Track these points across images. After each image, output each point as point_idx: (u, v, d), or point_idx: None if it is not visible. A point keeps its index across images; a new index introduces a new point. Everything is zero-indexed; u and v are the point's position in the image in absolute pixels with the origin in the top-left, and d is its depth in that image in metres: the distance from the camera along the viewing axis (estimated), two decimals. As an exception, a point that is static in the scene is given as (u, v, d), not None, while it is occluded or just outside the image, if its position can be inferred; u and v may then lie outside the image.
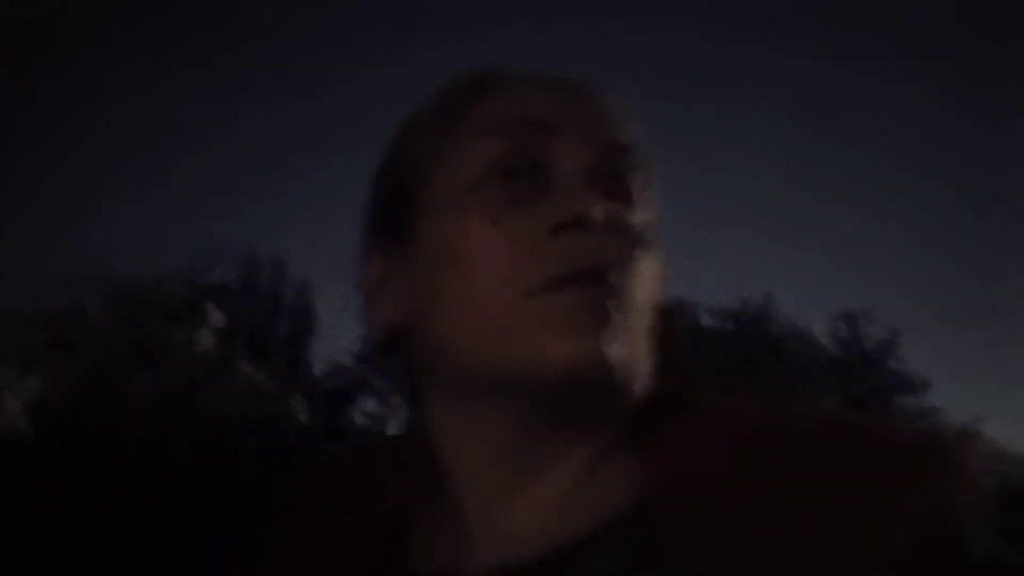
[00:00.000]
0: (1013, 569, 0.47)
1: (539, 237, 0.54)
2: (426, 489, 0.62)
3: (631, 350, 0.54)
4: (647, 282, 0.56)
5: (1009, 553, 0.48)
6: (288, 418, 9.61)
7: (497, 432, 0.56)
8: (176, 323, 8.59)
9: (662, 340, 0.57)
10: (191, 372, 8.21)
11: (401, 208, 0.60)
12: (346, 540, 0.62)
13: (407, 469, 0.63)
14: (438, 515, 0.60)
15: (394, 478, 0.64)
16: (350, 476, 0.66)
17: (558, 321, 0.53)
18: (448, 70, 0.63)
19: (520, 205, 0.55)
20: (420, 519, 0.61)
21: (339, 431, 10.66)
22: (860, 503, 0.48)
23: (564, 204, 0.55)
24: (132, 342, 7.78)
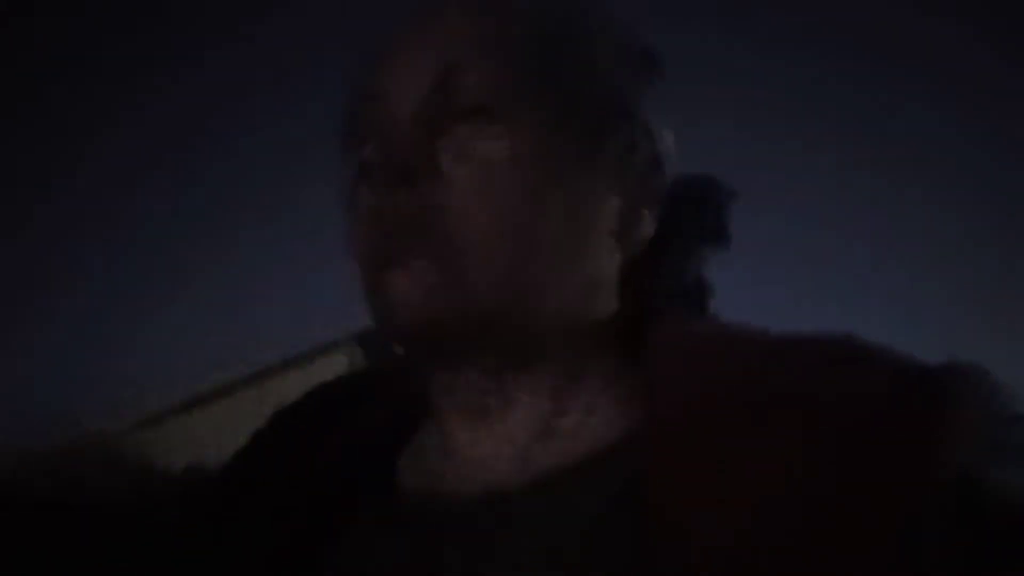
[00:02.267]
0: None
1: (360, 218, 0.56)
2: (412, 414, 0.62)
3: (496, 286, 0.53)
4: (507, 207, 0.54)
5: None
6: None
7: (448, 386, 0.57)
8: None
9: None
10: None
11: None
12: (325, 456, 0.61)
13: (394, 396, 0.64)
14: (425, 441, 0.61)
15: (381, 403, 0.64)
16: (335, 400, 0.66)
17: (372, 271, 0.55)
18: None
19: (361, 186, 0.57)
20: (407, 443, 0.62)
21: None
22: (873, 448, 0.46)
23: (369, 170, 0.56)
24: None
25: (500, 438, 0.56)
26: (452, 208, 0.53)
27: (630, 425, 0.54)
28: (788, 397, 0.49)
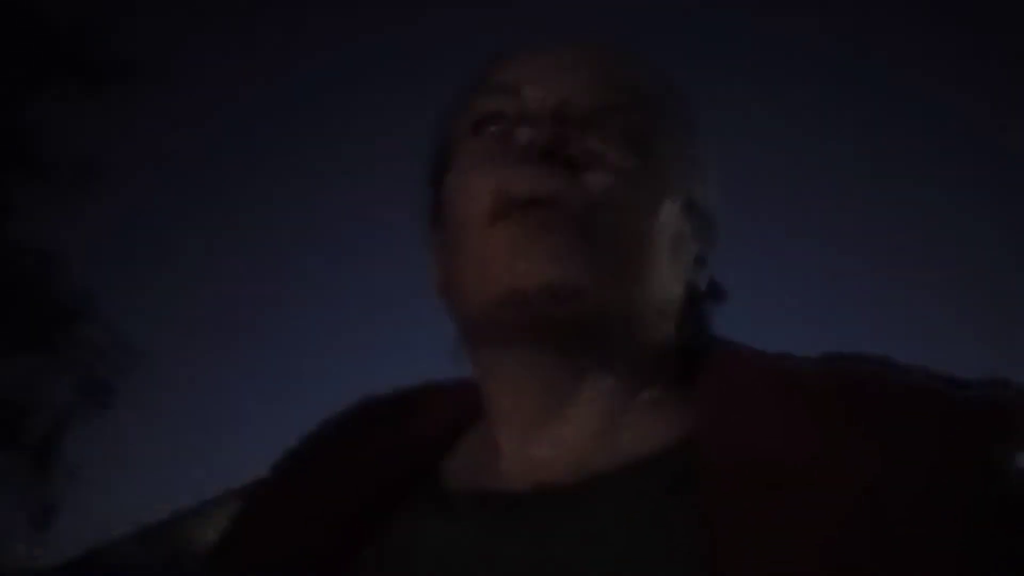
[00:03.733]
0: None
1: (499, 176, 0.58)
2: (459, 421, 0.65)
3: (601, 278, 0.57)
4: (624, 213, 0.59)
5: None
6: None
7: (517, 371, 0.59)
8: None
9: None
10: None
11: (435, 180, 0.66)
12: (371, 462, 0.63)
13: (440, 404, 0.66)
14: (473, 445, 0.63)
15: (426, 411, 0.66)
16: (382, 408, 0.68)
17: (503, 248, 0.57)
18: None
19: (493, 154, 0.60)
20: (454, 448, 0.64)
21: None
22: (920, 453, 0.49)
23: (516, 143, 0.59)
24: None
25: (559, 439, 0.58)
26: (594, 198, 0.58)
27: (684, 431, 0.56)
28: (842, 407, 0.52)
